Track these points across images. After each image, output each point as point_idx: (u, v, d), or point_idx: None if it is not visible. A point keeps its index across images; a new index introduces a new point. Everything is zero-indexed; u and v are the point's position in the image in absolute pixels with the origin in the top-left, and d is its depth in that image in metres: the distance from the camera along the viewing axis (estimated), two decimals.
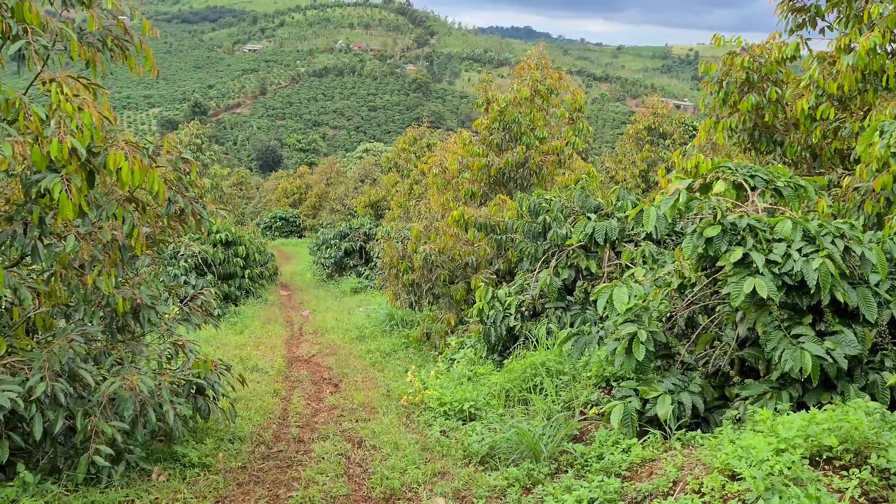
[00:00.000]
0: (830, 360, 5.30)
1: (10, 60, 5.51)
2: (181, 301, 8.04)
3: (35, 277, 6.24)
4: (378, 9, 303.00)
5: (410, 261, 15.77)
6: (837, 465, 4.27)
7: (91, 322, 6.40)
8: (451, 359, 11.19)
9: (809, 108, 9.71)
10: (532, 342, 9.56)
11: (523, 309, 10.21)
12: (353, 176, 52.19)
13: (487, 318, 10.41)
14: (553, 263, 10.35)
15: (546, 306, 10.09)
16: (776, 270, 5.59)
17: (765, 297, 5.44)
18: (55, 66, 5.77)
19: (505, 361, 9.42)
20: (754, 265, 5.60)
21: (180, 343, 7.42)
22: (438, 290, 15.07)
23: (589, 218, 9.95)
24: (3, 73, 6.07)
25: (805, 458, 4.25)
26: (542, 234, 11.09)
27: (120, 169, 5.39)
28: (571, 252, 10.36)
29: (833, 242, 5.69)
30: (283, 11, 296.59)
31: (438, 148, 22.68)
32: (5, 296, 5.87)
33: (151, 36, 6.39)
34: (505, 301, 10.44)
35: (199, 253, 20.62)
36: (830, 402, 5.19)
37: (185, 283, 19.72)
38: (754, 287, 5.48)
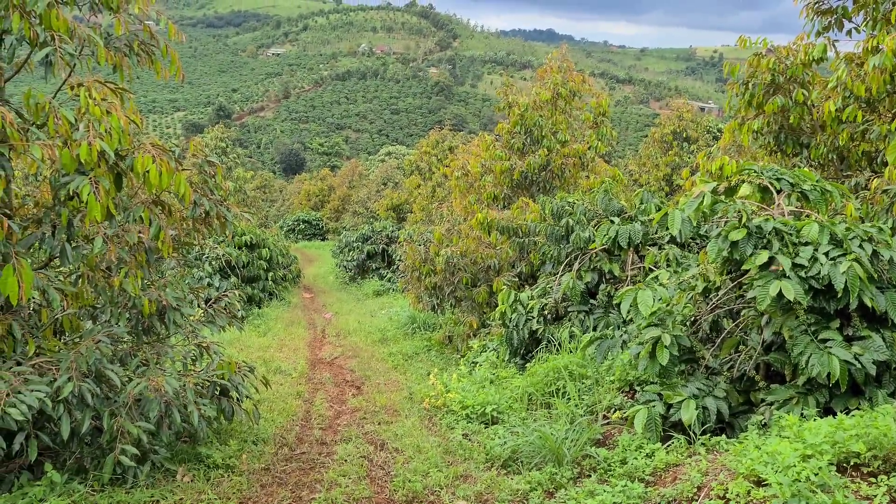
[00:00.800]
0: (858, 366, 5.23)
1: (39, 66, 5.59)
2: (206, 303, 8.11)
3: (63, 279, 6.32)
4: (401, 12, 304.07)
5: (433, 264, 15.79)
6: (865, 471, 4.21)
7: (117, 323, 6.48)
8: (473, 362, 11.19)
9: (837, 110, 9.59)
10: (555, 346, 9.53)
11: (546, 312, 10.18)
12: (376, 179, 52.37)
13: (510, 322, 10.40)
14: (576, 267, 10.32)
15: (569, 310, 10.06)
16: (803, 274, 5.53)
17: (792, 299, 5.38)
18: (83, 71, 5.85)
19: (527, 365, 9.40)
20: (780, 268, 5.54)
21: (205, 345, 7.49)
22: (461, 293, 15.06)
23: (612, 221, 9.91)
24: (31, 77, 6.16)
25: (832, 464, 4.19)
26: (564, 238, 11.06)
27: (147, 172, 5.45)
28: (594, 255, 10.32)
29: (861, 246, 5.62)
30: (307, 15, 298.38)
31: (460, 151, 22.70)
32: (34, 297, 5.95)
33: (177, 40, 6.45)
34: (527, 304, 10.42)
35: (224, 255, 20.78)
36: (858, 408, 5.13)
37: (210, 285, 19.89)
38: (780, 290, 5.42)
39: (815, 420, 4.80)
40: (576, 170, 15.94)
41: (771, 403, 5.70)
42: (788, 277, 5.49)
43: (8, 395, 4.96)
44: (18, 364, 5.51)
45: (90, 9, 6.31)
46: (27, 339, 5.73)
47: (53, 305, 5.74)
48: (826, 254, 5.59)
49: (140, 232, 6.10)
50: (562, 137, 15.83)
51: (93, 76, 5.76)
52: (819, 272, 5.48)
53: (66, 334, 6.63)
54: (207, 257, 20.57)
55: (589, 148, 16.16)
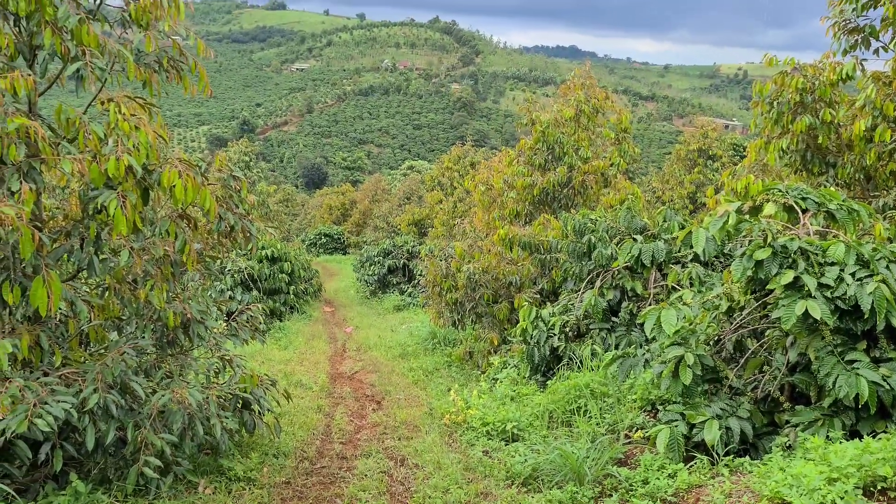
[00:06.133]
0: (887, 387, 5.16)
1: (70, 80, 5.69)
2: (228, 316, 8.16)
3: (90, 291, 6.40)
4: (424, 28, 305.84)
5: (454, 279, 15.78)
6: (892, 496, 4.15)
7: (143, 335, 6.54)
8: (493, 378, 11.16)
9: (866, 129, 9.53)
10: (576, 363, 9.49)
11: (567, 329, 10.14)
12: (398, 194, 52.50)
13: (531, 338, 10.36)
14: (598, 284, 10.28)
15: (590, 327, 10.01)
16: (828, 294, 5.48)
17: (818, 318, 5.33)
18: (113, 86, 5.95)
19: (548, 382, 9.36)
20: (806, 288, 5.50)
21: (228, 357, 7.53)
22: (481, 308, 15.04)
23: (635, 239, 9.87)
24: (61, 91, 6.27)
25: (858, 488, 4.14)
26: (586, 255, 11.02)
27: (174, 186, 5.53)
28: (617, 273, 10.28)
29: (888, 267, 5.56)
30: (331, 31, 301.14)
31: (482, 167, 22.73)
32: (61, 308, 6.02)
33: (205, 56, 6.54)
34: (549, 321, 10.38)
35: (246, 268, 20.92)
36: (885, 431, 5.06)
37: (232, 298, 20.01)
38: (806, 310, 5.37)
39: (840, 443, 4.74)
40: (598, 186, 15.90)
41: (796, 425, 5.64)
42: (814, 297, 5.44)
43: (35, 405, 5.02)
44: (46, 374, 5.58)
45: (121, 25, 6.41)
46: (54, 349, 5.80)
47: (81, 317, 5.81)
48: (852, 274, 5.53)
49: (166, 245, 6.16)
50: (584, 154, 15.82)
51: (122, 91, 5.85)
52: (845, 292, 5.42)
53: (92, 345, 6.70)
54: (230, 270, 20.71)
55: (611, 165, 16.13)
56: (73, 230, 5.77)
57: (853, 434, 5.38)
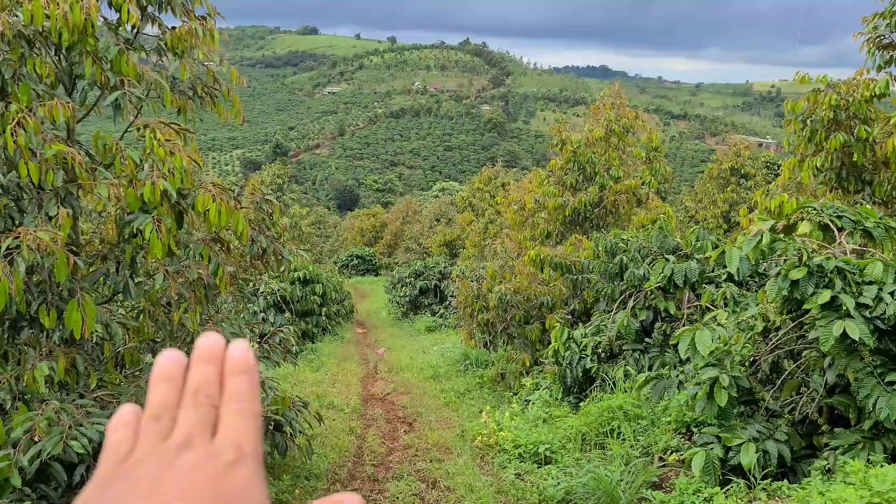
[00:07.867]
0: None
1: (108, 108, 5.82)
2: (260, 338, 8.22)
3: (125, 314, 6.49)
4: (454, 51, 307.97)
5: (485, 300, 15.75)
6: None
7: None
8: (525, 400, 11.08)
9: None
10: (609, 385, 9.39)
11: (600, 350, 10.06)
12: (429, 215, 52.63)
13: (563, 360, 10.29)
14: (630, 304, 10.19)
15: (623, 348, 9.92)
16: (867, 314, 5.37)
17: (857, 339, 5.23)
18: (149, 112, 6.07)
19: (581, 404, 9.28)
20: (844, 308, 5.40)
21: (260, 380, 7.56)
22: (513, 329, 14.98)
23: (667, 259, 9.79)
24: (98, 117, 6.41)
25: None
26: (618, 275, 10.94)
27: (208, 210, 5.60)
28: (649, 293, 10.18)
29: None
30: (362, 55, 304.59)
31: (513, 187, 22.73)
32: (97, 331, 6.12)
33: (238, 84, 6.65)
34: (581, 342, 10.31)
35: (278, 290, 21.07)
36: None
37: (264, 319, 20.16)
38: (844, 330, 5.27)
39: (882, 466, 4.63)
40: (629, 206, 15.83)
41: (835, 448, 5.52)
42: (852, 317, 5.34)
43: (70, 427, 5.09)
44: (81, 397, 5.66)
45: (157, 53, 6.56)
46: (90, 372, 5.88)
47: (116, 339, 5.89)
48: (892, 293, 5.42)
49: (200, 268, 6.24)
50: (615, 174, 15.76)
51: (158, 117, 5.97)
52: (884, 312, 5.31)
53: (127, 367, 6.79)
54: (262, 292, 20.88)
55: (642, 184, 16.06)
56: (109, 254, 5.88)
57: (895, 457, 5.25)
